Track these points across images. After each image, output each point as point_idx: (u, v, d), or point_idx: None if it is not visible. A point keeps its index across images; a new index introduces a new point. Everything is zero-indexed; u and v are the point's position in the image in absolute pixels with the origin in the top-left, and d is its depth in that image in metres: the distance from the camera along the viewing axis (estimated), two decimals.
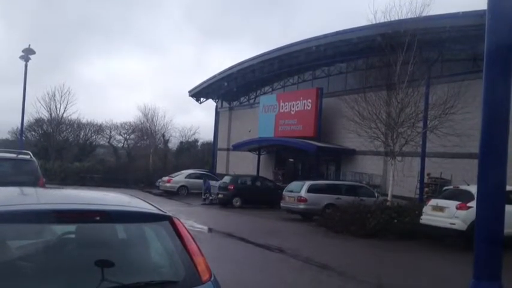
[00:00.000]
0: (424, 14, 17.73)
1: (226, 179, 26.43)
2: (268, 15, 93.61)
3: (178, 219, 3.35)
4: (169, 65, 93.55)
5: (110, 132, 52.88)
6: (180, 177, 31.89)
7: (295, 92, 31.41)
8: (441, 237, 14.36)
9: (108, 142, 53.68)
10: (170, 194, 30.28)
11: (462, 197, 13.82)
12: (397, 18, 17.99)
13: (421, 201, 18.12)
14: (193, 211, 22.45)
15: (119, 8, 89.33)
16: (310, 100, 28.31)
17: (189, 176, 32.03)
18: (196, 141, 55.46)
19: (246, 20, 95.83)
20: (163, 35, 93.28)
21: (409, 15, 17.78)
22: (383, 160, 22.81)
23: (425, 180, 21.33)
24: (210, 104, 42.07)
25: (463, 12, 18.35)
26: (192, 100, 41.81)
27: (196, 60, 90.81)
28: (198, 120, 59.77)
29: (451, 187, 16.15)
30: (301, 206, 19.79)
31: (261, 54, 31.55)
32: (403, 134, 17.98)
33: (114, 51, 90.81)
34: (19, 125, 32.60)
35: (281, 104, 31.05)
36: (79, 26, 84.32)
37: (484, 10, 3.60)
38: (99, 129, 52.46)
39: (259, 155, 32.62)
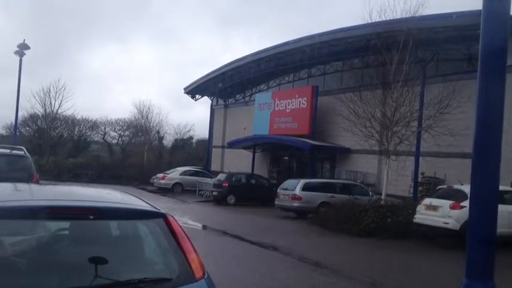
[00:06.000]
0: (418, 14, 17.77)
1: (221, 176, 26.43)
2: (279, 7, 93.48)
3: (172, 217, 3.35)
4: (170, 61, 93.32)
5: (105, 128, 52.84)
6: (174, 174, 31.86)
7: (291, 90, 31.40)
8: (434, 236, 14.42)
9: (103, 138, 53.58)
10: (165, 191, 30.23)
11: (456, 196, 13.88)
12: (391, 18, 18.03)
13: (415, 200, 18.18)
14: (187, 208, 22.44)
15: None
16: (305, 98, 28.31)
17: (183, 173, 32.01)
18: (191, 138, 55.49)
19: (259, 13, 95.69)
20: (167, 29, 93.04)
21: (404, 15, 17.82)
22: (377, 159, 22.87)
23: (419, 180, 21.40)
24: (207, 101, 42.05)
25: (458, 12, 18.40)
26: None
27: (197, 56, 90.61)
28: (195, 117, 59.78)
29: (445, 186, 16.22)
30: (296, 204, 19.82)
31: (257, 51, 31.48)
32: (398, 133, 18.02)
33: (115, 44, 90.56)
34: (13, 120, 32.43)
35: (276, 102, 31.04)
36: (77, 17, 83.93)
37: (479, 10, 3.60)
38: (93, 125, 52.40)
39: (254, 152, 32.63)
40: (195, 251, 3.23)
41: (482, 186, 3.58)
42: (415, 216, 14.93)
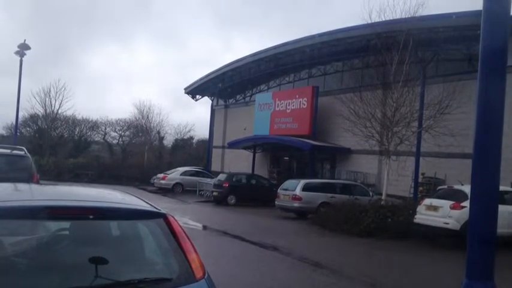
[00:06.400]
0: (418, 14, 17.77)
1: (221, 176, 26.43)
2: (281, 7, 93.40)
3: (173, 217, 3.36)
4: (170, 61, 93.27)
5: (105, 128, 52.91)
6: (175, 175, 31.85)
7: (291, 90, 31.40)
8: (435, 236, 14.41)
9: (103, 139, 53.61)
10: (165, 191, 30.23)
11: (456, 196, 13.88)
12: (391, 18, 18.04)
13: (415, 201, 18.18)
14: (188, 208, 22.44)
15: None
16: (305, 98, 28.32)
17: (184, 174, 32.00)
18: (191, 138, 55.52)
19: (262, 12, 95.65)
20: (168, 29, 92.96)
21: (404, 15, 17.84)
22: (378, 159, 22.86)
23: (420, 180, 21.39)
24: (207, 101, 42.10)
25: (457, 13, 18.40)
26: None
27: (198, 56, 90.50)
28: (195, 117, 59.88)
29: (445, 187, 16.22)
30: (296, 204, 19.81)
31: (257, 52, 31.50)
32: (398, 133, 18.03)
33: (115, 44, 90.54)
34: (14, 120, 32.45)
35: (277, 102, 31.05)
36: (78, 17, 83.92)
37: (479, 10, 3.61)
38: (94, 125, 52.46)
39: (254, 153, 32.63)
40: (195, 251, 3.23)
41: (482, 187, 3.58)
42: (416, 216, 14.93)
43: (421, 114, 18.48)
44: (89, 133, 53.45)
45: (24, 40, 26.02)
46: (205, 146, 43.91)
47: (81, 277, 2.82)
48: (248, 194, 25.01)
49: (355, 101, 18.97)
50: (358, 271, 10.34)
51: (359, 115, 18.62)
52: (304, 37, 26.69)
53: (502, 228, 8.75)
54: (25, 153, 12.76)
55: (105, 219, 3.29)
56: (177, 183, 31.07)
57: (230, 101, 40.24)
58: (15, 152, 12.73)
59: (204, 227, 16.69)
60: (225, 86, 38.13)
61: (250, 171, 30.51)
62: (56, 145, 44.63)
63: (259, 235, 14.56)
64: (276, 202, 21.02)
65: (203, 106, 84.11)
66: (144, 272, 3.07)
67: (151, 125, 46.77)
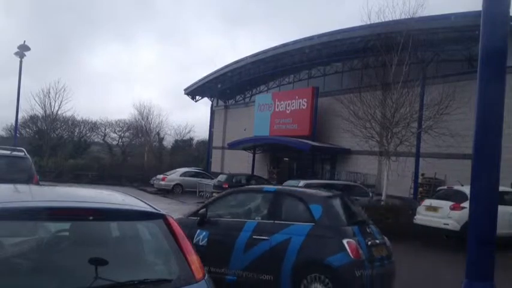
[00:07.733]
0: (417, 15, 17.79)
1: (221, 177, 26.41)
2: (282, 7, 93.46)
3: (172, 218, 3.35)
4: (171, 61, 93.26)
5: (105, 129, 52.93)
6: (174, 176, 31.81)
7: (291, 91, 31.43)
8: (435, 237, 14.40)
9: (103, 140, 53.61)
10: (165, 192, 30.18)
11: (456, 197, 13.87)
12: (390, 19, 18.06)
13: (415, 201, 18.16)
14: (188, 209, 22.34)
15: None
16: (305, 99, 28.34)
17: (183, 174, 31.96)
18: (191, 139, 55.53)
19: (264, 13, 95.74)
20: (169, 29, 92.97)
21: (403, 16, 17.86)
22: (378, 160, 22.85)
23: (420, 181, 21.40)
24: (207, 102, 42.13)
25: (456, 14, 18.42)
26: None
27: (198, 56, 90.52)
28: (195, 118, 60.13)
29: (445, 187, 16.21)
30: None
31: (257, 53, 31.53)
32: (398, 134, 18.02)
33: (116, 46, 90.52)
34: (13, 122, 32.47)
35: (277, 103, 31.07)
36: (79, 17, 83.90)
37: (478, 11, 3.61)
38: (93, 126, 52.50)
39: (254, 153, 32.63)
40: (195, 252, 3.23)
41: (482, 187, 3.57)
42: (416, 217, 14.92)
43: (421, 115, 18.47)
44: (89, 134, 53.54)
45: (24, 41, 25.96)
46: (205, 147, 43.93)
47: (81, 278, 2.82)
48: None
49: (355, 101, 18.96)
50: None
51: (359, 116, 18.61)
52: (304, 38, 26.72)
53: (502, 229, 8.75)
54: (25, 154, 12.73)
55: (105, 220, 3.29)
56: (176, 184, 31.02)
57: (230, 101, 40.25)
58: (15, 153, 12.70)
59: None
60: (225, 87, 38.15)
61: (250, 172, 30.51)
62: (55, 146, 44.64)
63: None
64: None
65: (203, 107, 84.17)
66: (144, 273, 3.07)
67: (151, 126, 46.85)
